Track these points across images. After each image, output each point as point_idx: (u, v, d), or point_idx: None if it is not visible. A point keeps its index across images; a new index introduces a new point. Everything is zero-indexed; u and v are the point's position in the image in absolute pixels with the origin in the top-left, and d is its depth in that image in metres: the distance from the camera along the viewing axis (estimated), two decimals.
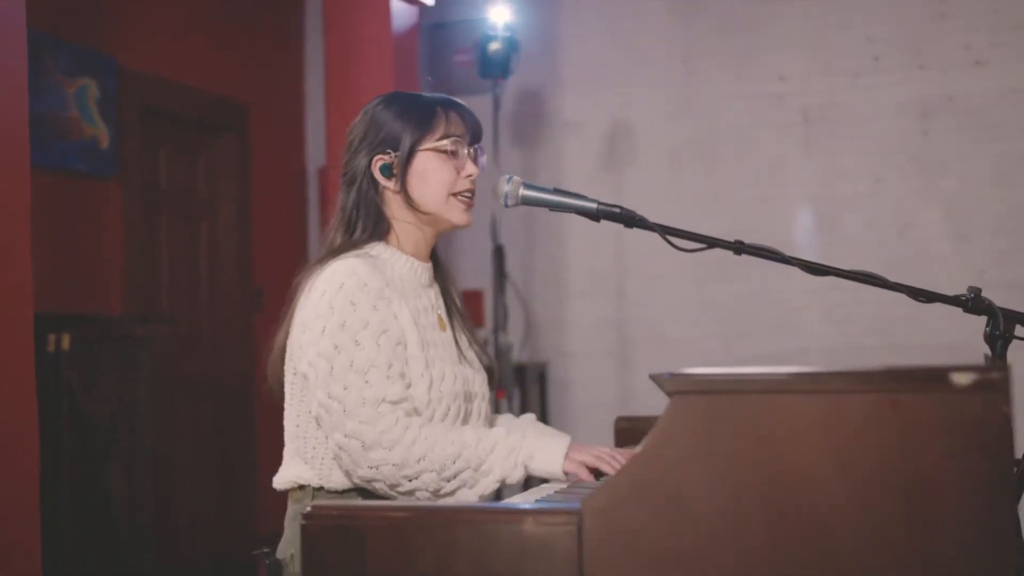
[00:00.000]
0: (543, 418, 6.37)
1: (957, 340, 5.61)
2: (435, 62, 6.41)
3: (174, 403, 5.61)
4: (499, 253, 5.41)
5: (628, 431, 2.62)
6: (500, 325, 5.37)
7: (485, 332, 6.09)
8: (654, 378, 1.30)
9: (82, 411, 4.35)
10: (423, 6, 5.13)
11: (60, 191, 4.98)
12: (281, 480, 2.19)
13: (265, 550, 2.16)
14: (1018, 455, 2.04)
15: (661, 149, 6.33)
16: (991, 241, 5.78)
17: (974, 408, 1.18)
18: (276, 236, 6.47)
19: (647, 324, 6.33)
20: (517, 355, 6.00)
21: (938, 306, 6.19)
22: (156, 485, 4.83)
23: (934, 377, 1.19)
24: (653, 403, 6.26)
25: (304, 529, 1.41)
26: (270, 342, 2.23)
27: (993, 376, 1.17)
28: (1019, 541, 1.91)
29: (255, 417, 6.13)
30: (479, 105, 6.27)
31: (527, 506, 1.43)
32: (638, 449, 1.34)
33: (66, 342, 4.33)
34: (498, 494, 2.09)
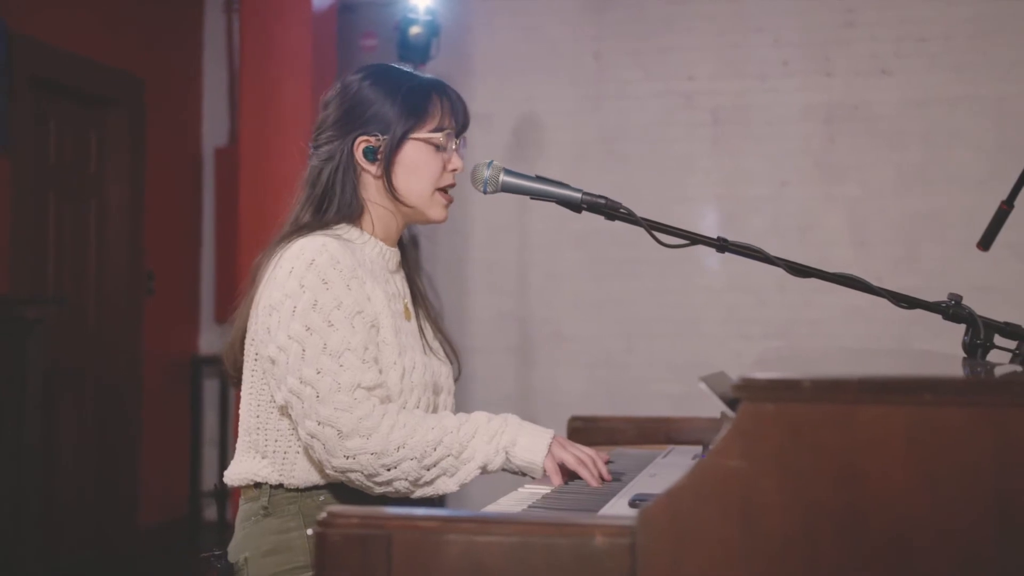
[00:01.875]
0: None
1: (856, 346, 5.70)
2: (343, 45, 6.22)
3: (57, 388, 5.35)
4: (415, 243, 5.26)
5: (582, 431, 2.53)
6: None
7: None
8: (706, 381, 1.20)
9: None
10: None
11: None
12: (234, 476, 2.04)
13: (216, 552, 2.00)
14: None
15: (569, 144, 6.27)
16: (889, 247, 5.88)
17: None
18: (169, 217, 6.22)
19: (549, 320, 6.27)
20: None
21: (836, 312, 6.28)
22: (42, 475, 4.58)
23: None
24: (554, 400, 6.23)
25: (320, 537, 1.27)
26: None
27: None
28: None
29: (141, 405, 5.88)
30: None
31: (575, 518, 1.32)
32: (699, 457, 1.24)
33: None
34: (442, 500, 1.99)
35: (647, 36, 6.19)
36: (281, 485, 1.98)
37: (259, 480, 1.99)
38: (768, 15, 6.06)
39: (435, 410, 2.08)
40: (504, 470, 1.95)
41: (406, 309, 2.11)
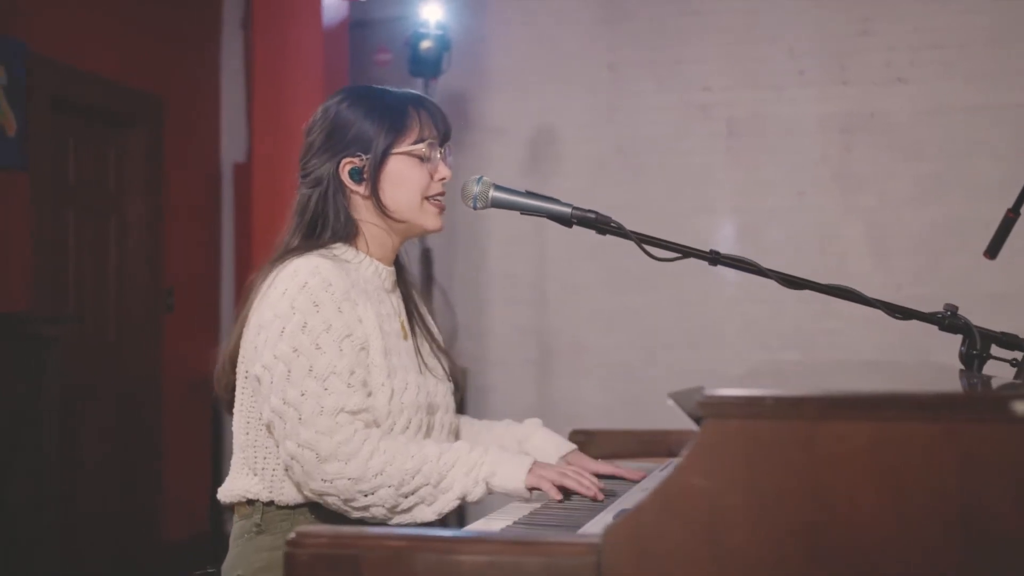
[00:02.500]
0: None
1: (873, 356, 5.66)
2: (355, 61, 6.25)
3: (77, 404, 5.38)
4: (426, 257, 5.29)
5: (583, 444, 2.52)
6: None
7: None
8: (675, 397, 1.20)
9: None
10: (354, 1, 4.98)
11: None
12: (227, 493, 2.05)
13: (210, 570, 2.02)
14: None
15: (585, 157, 6.27)
16: (909, 258, 5.84)
17: None
18: (188, 234, 6.26)
19: (567, 332, 6.26)
20: None
21: (858, 323, 6.23)
22: (60, 490, 4.61)
23: (995, 406, 1.12)
24: (573, 412, 6.22)
25: (289, 557, 1.28)
26: (216, 349, 2.09)
27: None
28: None
29: (161, 420, 5.91)
30: None
31: (542, 536, 1.32)
32: (664, 474, 1.24)
33: None
34: (460, 510, 1.99)
35: (662, 47, 6.18)
36: (272, 502, 1.99)
37: (251, 497, 2.01)
38: (783, 25, 6.05)
39: (431, 429, 2.09)
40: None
41: (402, 328, 2.12)
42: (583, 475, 1.93)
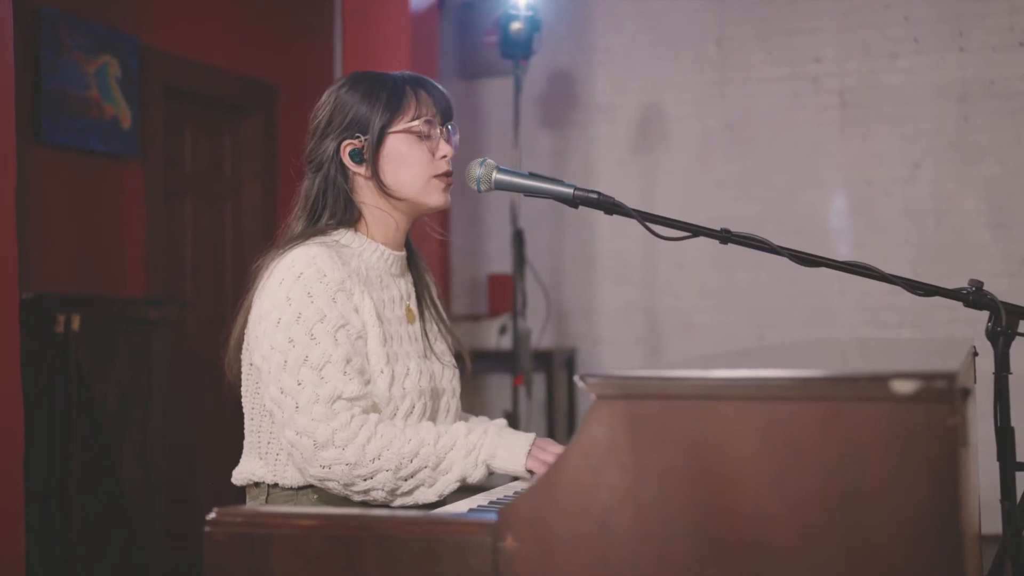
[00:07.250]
0: (571, 404, 6.26)
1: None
2: (463, 42, 6.29)
3: (196, 388, 5.55)
4: (519, 238, 5.28)
5: None
6: (519, 311, 5.24)
7: (505, 317, 6.01)
8: (581, 379, 1.19)
9: (91, 394, 4.30)
10: None
11: (79, 171, 4.93)
12: (238, 476, 2.11)
13: None
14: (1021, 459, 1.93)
15: (694, 132, 6.19)
16: None
17: (916, 420, 1.06)
18: None
19: (677, 311, 6.20)
20: (537, 340, 5.88)
21: None
22: (170, 471, 4.77)
23: (876, 385, 1.07)
24: None
25: (207, 536, 1.32)
26: (227, 331, 2.15)
27: (937, 385, 1.05)
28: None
29: None
30: (502, 86, 6.18)
31: (442, 516, 1.33)
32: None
33: (76, 323, 4.27)
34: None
35: (771, 19, 6.05)
36: (277, 484, 2.03)
37: (258, 480, 2.06)
38: None
39: (435, 413, 2.10)
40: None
41: (408, 312, 2.13)
42: None
